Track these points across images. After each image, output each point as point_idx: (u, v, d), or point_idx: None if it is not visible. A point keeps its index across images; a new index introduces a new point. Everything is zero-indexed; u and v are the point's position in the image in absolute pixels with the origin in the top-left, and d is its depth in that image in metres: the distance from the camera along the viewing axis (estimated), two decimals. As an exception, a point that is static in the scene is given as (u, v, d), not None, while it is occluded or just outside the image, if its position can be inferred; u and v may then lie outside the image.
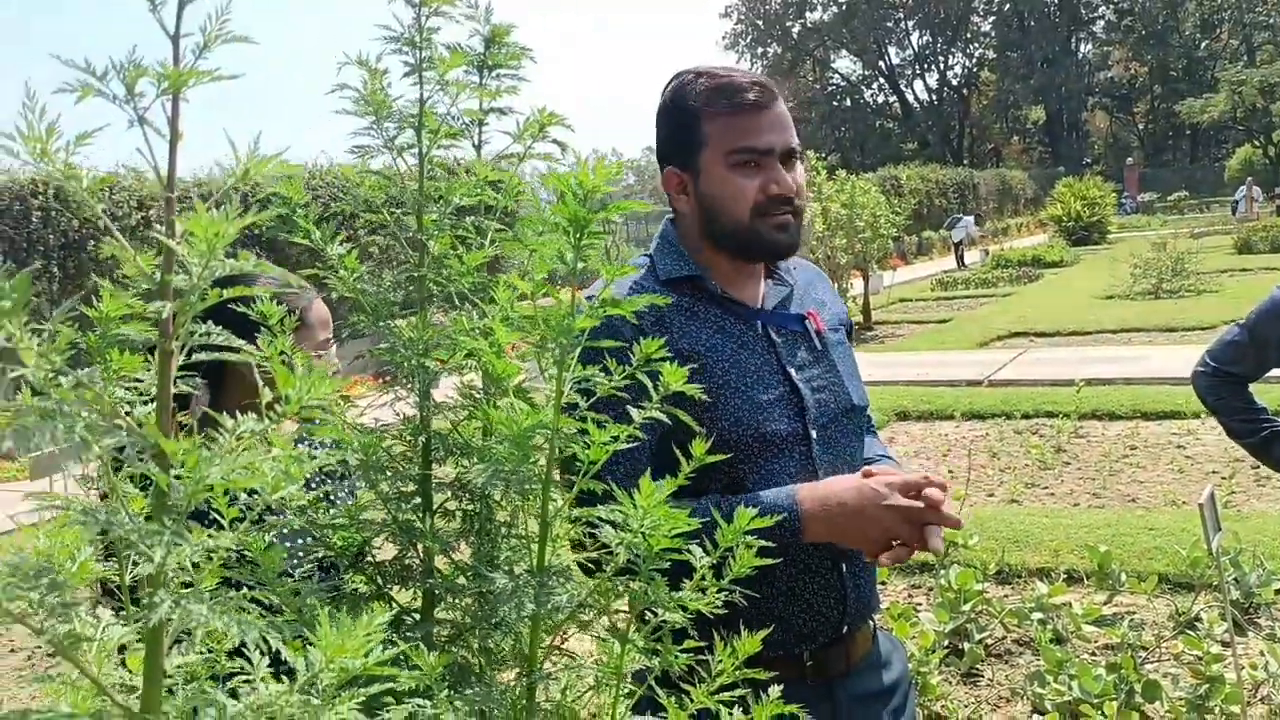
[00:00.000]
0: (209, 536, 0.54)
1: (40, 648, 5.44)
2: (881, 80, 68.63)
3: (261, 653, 0.57)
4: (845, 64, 69.11)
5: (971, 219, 29.73)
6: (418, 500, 1.17)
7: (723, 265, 1.68)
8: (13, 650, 5.39)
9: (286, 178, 1.13)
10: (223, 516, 0.56)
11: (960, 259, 27.64)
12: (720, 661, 1.14)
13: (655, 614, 1.11)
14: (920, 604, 4.77)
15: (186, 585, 0.54)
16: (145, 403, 0.60)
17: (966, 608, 4.27)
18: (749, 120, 1.60)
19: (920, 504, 1.49)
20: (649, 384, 1.03)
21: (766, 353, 1.65)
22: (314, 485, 1.56)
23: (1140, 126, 68.70)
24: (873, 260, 16.12)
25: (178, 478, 0.51)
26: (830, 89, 67.84)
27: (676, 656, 1.03)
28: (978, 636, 4.24)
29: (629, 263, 1.13)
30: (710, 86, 1.62)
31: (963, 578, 4.38)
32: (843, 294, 14.46)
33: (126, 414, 0.53)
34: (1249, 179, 35.60)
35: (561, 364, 0.95)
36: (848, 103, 67.92)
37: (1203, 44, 59.43)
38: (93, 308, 0.76)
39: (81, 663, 0.55)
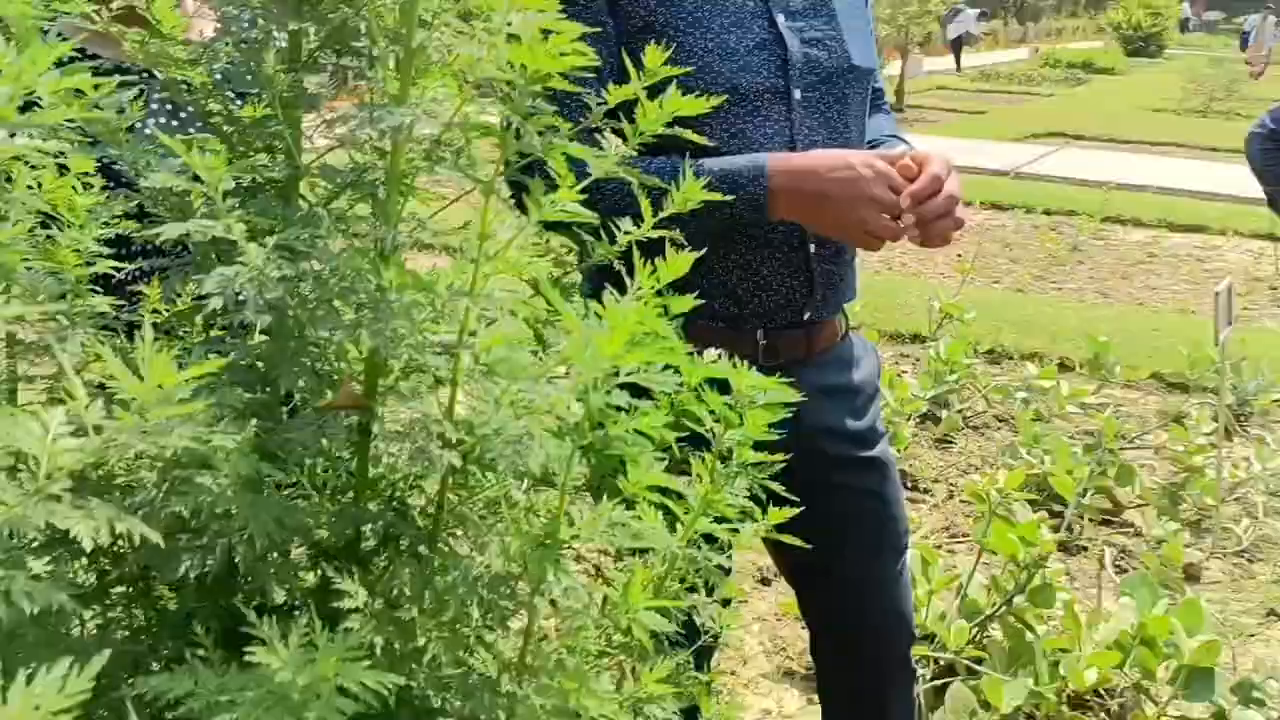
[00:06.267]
0: None
1: None
2: None
3: None
4: None
5: (974, 12, 24.79)
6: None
7: None
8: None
9: None
10: None
11: (957, 59, 22.89)
12: (639, 287, 0.92)
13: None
14: (906, 371, 4.64)
15: None
16: None
17: (951, 378, 4.13)
18: None
19: (908, 198, 1.26)
20: None
21: None
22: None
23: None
24: (914, 41, 15.20)
25: None
26: None
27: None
28: (958, 406, 4.12)
29: None
30: None
31: (952, 349, 4.21)
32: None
33: None
34: (1270, 5, 23.05)
35: None
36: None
37: None
38: None
39: None
